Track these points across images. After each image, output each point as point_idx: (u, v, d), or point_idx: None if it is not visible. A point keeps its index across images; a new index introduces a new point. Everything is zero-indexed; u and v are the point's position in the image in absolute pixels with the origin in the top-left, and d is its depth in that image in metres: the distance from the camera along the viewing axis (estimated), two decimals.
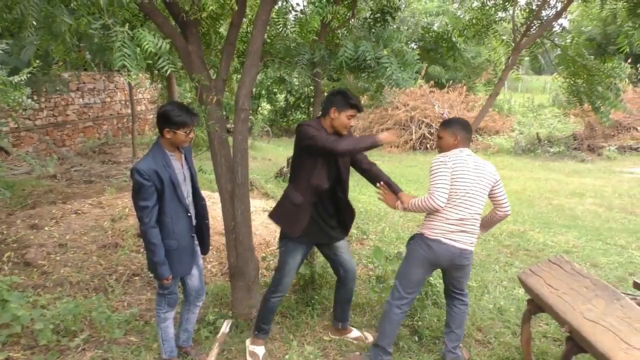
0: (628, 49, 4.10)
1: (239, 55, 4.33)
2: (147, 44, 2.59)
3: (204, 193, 7.37)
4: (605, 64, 4.38)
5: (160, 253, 2.81)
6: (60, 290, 4.16)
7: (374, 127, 15.71)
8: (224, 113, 3.93)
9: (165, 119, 2.78)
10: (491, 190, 3.05)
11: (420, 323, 3.68)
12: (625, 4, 3.96)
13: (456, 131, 3.09)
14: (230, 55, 3.59)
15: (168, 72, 2.81)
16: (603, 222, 7.11)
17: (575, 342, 2.64)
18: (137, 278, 4.49)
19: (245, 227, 3.63)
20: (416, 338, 3.54)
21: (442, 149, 3.15)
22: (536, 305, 3.10)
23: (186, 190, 2.98)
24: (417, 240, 3.11)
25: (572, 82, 4.59)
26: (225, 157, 3.58)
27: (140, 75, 10.56)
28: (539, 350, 3.40)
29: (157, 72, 7.66)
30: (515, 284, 4.51)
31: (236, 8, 3.17)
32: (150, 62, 2.78)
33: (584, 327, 2.49)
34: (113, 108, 12.62)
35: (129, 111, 11.61)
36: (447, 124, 3.17)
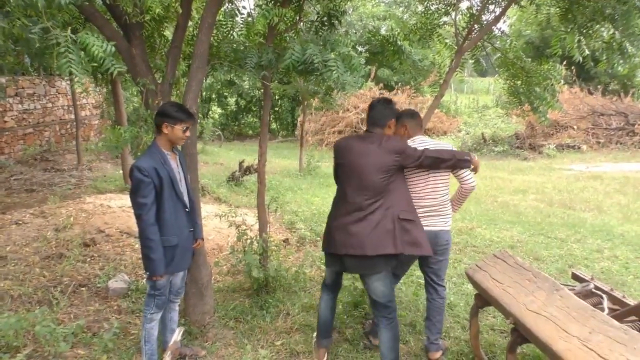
0: (561, 52, 4.32)
1: (186, 58, 4.27)
2: (95, 48, 2.52)
3: None
4: (542, 66, 4.60)
5: (158, 250, 2.86)
6: (0, 304, 3.96)
7: (325, 130, 15.82)
8: None
9: (164, 114, 2.88)
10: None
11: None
12: (557, 9, 4.17)
13: (404, 121, 3.27)
14: (176, 59, 3.53)
15: (115, 74, 2.74)
16: (544, 217, 7.44)
17: (520, 332, 2.74)
18: (84, 289, 4.34)
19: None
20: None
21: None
22: (483, 300, 3.21)
23: (183, 189, 3.07)
24: None
25: (512, 83, 4.79)
26: None
27: (85, 79, 10.21)
28: (487, 343, 3.52)
29: (101, 76, 7.45)
30: (464, 279, 4.65)
31: (180, 11, 3.12)
32: (95, 64, 2.71)
33: (526, 318, 2.59)
34: (55, 114, 12.10)
35: (73, 117, 11.17)
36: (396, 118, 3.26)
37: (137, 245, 5.29)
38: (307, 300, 4.15)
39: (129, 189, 7.46)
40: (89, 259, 4.89)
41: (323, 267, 4.95)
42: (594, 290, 3.20)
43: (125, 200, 6.78)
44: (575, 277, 3.59)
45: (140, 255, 4.99)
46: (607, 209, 8.03)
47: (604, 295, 3.10)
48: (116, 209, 6.28)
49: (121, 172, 8.47)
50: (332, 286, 3.28)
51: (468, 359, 3.30)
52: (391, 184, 2.95)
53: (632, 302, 3.06)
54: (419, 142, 3.20)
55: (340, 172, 3.08)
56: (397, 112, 3.24)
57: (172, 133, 2.90)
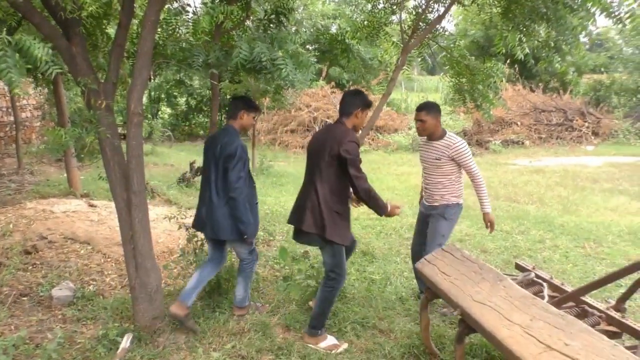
0: (504, 50, 4.49)
1: (130, 57, 4.16)
2: (37, 50, 2.42)
3: (101, 202, 7.01)
4: (485, 64, 4.76)
5: (249, 215, 3.50)
6: None
7: (278, 129, 15.76)
8: (122, 118, 3.76)
9: (245, 103, 3.57)
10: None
11: None
12: (498, 8, 4.32)
13: (438, 115, 3.84)
14: (120, 57, 3.42)
15: (54, 75, 2.63)
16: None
17: (467, 323, 2.83)
18: (25, 298, 4.14)
19: (144, 236, 3.49)
20: None
21: (431, 132, 3.88)
22: (432, 292, 3.29)
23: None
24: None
25: (457, 81, 4.93)
26: (118, 165, 3.42)
27: (23, 80, 9.75)
28: (437, 334, 3.61)
29: (41, 76, 7.13)
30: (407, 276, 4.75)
31: (119, 8, 3.03)
32: (30, 66, 2.60)
33: (473, 309, 2.68)
34: None
35: (12, 119, 10.64)
36: (429, 108, 3.84)
37: (83, 251, 5.11)
38: (260, 301, 4.12)
39: (73, 193, 7.16)
40: (30, 267, 4.67)
41: (276, 266, 4.95)
42: (535, 279, 3.34)
43: (70, 205, 6.53)
44: (518, 267, 3.74)
45: (86, 262, 4.87)
46: (548, 201, 8.41)
47: (544, 284, 3.25)
48: (60, 214, 6.03)
49: (65, 175, 8.14)
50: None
51: (419, 351, 3.37)
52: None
53: (570, 289, 3.22)
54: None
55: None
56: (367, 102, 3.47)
57: (246, 120, 3.59)
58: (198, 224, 3.73)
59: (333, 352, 3.38)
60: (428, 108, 3.85)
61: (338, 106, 3.47)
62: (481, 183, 3.89)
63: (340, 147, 3.17)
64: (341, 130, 3.31)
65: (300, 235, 3.51)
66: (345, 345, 3.46)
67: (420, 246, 4.11)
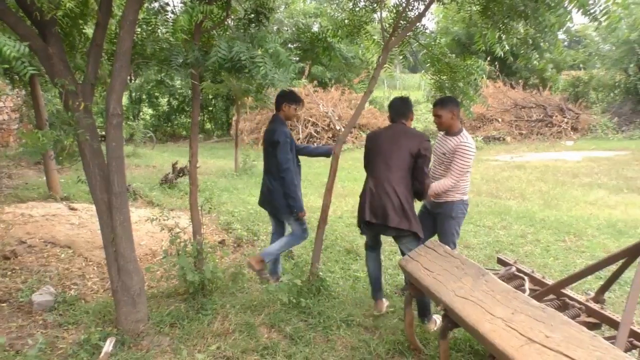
0: (485, 48, 4.52)
1: (109, 58, 4.10)
2: (7, 48, 2.37)
3: (82, 205, 6.92)
4: (466, 62, 4.79)
5: (298, 192, 4.17)
6: None
7: (261, 128, 15.71)
8: (102, 120, 3.72)
9: (286, 97, 4.24)
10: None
11: None
12: (477, 6, 4.35)
13: (453, 109, 3.90)
14: (98, 58, 3.38)
15: (28, 76, 2.59)
16: (473, 206, 7.76)
17: (450, 318, 2.86)
18: (4, 304, 4.07)
19: (126, 239, 3.45)
20: None
21: (448, 127, 3.95)
22: (416, 289, 3.31)
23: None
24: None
25: (437, 78, 4.95)
26: (99, 167, 3.38)
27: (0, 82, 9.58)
28: (422, 330, 3.64)
29: (18, 77, 7.01)
30: (399, 271, 4.78)
31: (97, 7, 2.98)
32: (8, 66, 2.55)
33: (455, 304, 2.70)
34: None
35: None
36: (444, 103, 3.93)
37: (63, 255, 5.04)
38: (245, 301, 4.11)
39: (53, 196, 7.09)
40: (9, 273, 4.59)
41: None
42: (516, 273, 3.38)
43: (49, 208, 6.43)
44: (501, 261, 3.78)
45: (67, 266, 4.80)
46: (529, 196, 8.53)
47: (525, 277, 3.29)
48: (39, 218, 5.93)
49: (44, 178, 8.01)
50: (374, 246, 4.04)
51: (404, 347, 3.39)
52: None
53: (550, 282, 3.27)
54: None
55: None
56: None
57: (289, 111, 4.26)
58: (261, 202, 4.55)
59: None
60: (443, 103, 3.95)
61: (391, 111, 3.92)
62: (449, 183, 3.86)
63: (420, 146, 3.58)
64: (413, 131, 3.79)
65: (381, 229, 3.74)
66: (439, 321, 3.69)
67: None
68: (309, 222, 4.68)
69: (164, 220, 4.24)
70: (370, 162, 3.80)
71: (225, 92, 11.45)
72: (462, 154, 3.81)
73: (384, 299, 4.01)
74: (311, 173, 10.38)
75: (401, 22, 4.48)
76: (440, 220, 4.05)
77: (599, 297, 3.12)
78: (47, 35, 3.14)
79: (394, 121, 3.82)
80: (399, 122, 3.79)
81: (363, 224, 3.78)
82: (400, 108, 3.83)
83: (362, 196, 3.77)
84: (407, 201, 3.58)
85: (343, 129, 10.83)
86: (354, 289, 4.43)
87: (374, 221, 3.63)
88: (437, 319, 3.75)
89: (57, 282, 4.48)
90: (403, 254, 3.71)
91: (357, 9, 4.76)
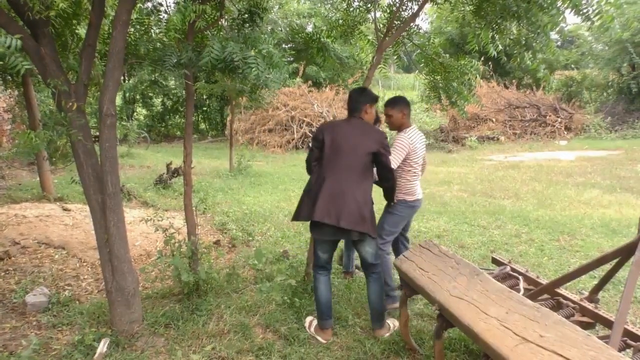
0: (478, 48, 4.54)
1: (102, 58, 4.08)
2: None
3: (75, 206, 6.89)
4: (459, 62, 4.81)
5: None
6: None
7: (255, 128, 15.70)
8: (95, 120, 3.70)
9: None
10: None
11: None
12: (470, 6, 4.37)
13: (403, 109, 3.83)
14: (91, 58, 3.36)
15: (22, 72, 2.57)
16: (468, 206, 7.80)
17: (445, 318, 2.86)
18: None
19: (120, 239, 3.44)
20: None
21: (399, 125, 3.89)
22: (411, 289, 3.31)
23: None
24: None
25: (431, 78, 4.97)
26: (92, 167, 3.36)
27: None
28: (416, 330, 3.64)
29: (10, 78, 6.97)
30: (393, 270, 4.78)
31: (90, 7, 2.97)
32: (1, 62, 2.54)
33: (450, 304, 2.70)
34: None
35: None
36: (395, 102, 3.89)
37: (57, 256, 5.02)
38: (240, 302, 4.10)
39: (47, 197, 7.05)
40: (3, 274, 4.56)
41: (255, 267, 4.92)
42: (511, 272, 3.39)
43: (43, 209, 6.40)
44: (495, 261, 3.79)
45: (61, 267, 4.78)
46: (523, 196, 8.56)
47: (520, 277, 3.30)
48: (32, 219, 5.90)
49: (38, 179, 7.97)
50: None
51: (399, 347, 3.39)
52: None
53: (545, 281, 3.28)
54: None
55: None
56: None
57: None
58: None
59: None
60: (394, 103, 3.92)
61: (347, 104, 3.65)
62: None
63: (380, 145, 3.40)
64: (372, 128, 3.54)
65: (333, 232, 3.40)
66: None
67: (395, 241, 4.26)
68: (303, 223, 4.67)
69: (159, 220, 4.23)
70: (327, 159, 3.43)
71: (220, 92, 11.40)
72: (393, 147, 3.76)
73: (331, 329, 3.60)
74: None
75: (395, 22, 4.49)
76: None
77: (593, 297, 3.14)
78: (39, 36, 3.12)
79: (351, 115, 3.57)
80: (355, 116, 3.55)
81: (314, 226, 3.44)
82: (354, 101, 3.57)
83: (312, 194, 3.41)
84: (365, 203, 3.38)
85: None
86: (349, 289, 4.43)
87: (326, 221, 3.29)
88: (392, 323, 3.68)
89: (51, 283, 4.45)
90: (362, 260, 3.59)
91: (351, 9, 4.77)
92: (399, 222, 4.01)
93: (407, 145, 3.80)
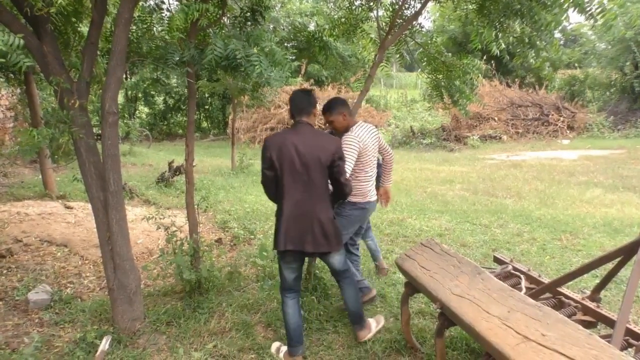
0: (481, 46, 4.53)
1: (104, 55, 4.09)
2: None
3: (78, 203, 6.89)
4: (462, 61, 4.80)
5: None
6: None
7: (257, 127, 15.70)
8: (97, 118, 3.71)
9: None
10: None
11: None
12: (473, 5, 4.36)
13: (342, 110, 3.60)
14: (93, 56, 3.37)
15: (24, 69, 2.57)
16: (470, 205, 7.79)
17: (446, 316, 2.86)
18: (0, 303, 4.06)
19: (122, 237, 3.45)
20: None
21: (345, 127, 3.62)
22: (412, 287, 3.31)
23: None
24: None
25: (434, 77, 4.96)
26: (94, 165, 3.37)
27: None
28: (417, 328, 3.64)
29: (13, 76, 6.98)
30: (395, 269, 4.78)
31: (90, 5, 2.97)
32: (3, 60, 2.54)
33: (452, 302, 2.70)
34: None
35: None
36: (330, 108, 3.60)
37: (59, 254, 5.03)
38: (241, 300, 4.10)
39: (49, 195, 7.05)
40: (5, 271, 4.58)
41: (258, 264, 4.92)
42: (512, 271, 3.39)
43: (45, 207, 6.41)
44: (497, 260, 3.78)
45: (63, 264, 4.79)
46: (526, 195, 8.54)
47: (521, 276, 3.30)
48: (35, 217, 5.91)
49: (40, 177, 7.98)
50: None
51: (400, 346, 3.39)
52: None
53: (546, 280, 3.28)
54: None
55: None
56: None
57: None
58: None
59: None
60: (329, 108, 3.62)
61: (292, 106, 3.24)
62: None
63: (334, 155, 3.09)
64: (323, 135, 3.23)
65: (299, 256, 3.24)
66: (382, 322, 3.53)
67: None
68: None
69: (160, 218, 4.23)
70: (281, 180, 3.09)
71: (222, 90, 11.43)
72: (343, 150, 3.34)
73: (302, 357, 3.32)
74: None
75: (397, 20, 4.48)
76: None
77: (594, 296, 3.13)
78: (41, 33, 3.12)
79: (295, 118, 3.18)
80: (302, 121, 3.14)
81: (280, 253, 3.23)
82: (302, 103, 3.18)
83: (279, 222, 3.15)
84: (327, 219, 3.13)
85: None
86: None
87: (290, 248, 3.10)
88: (374, 322, 3.49)
89: (53, 281, 4.46)
90: (331, 270, 3.41)
91: (354, 7, 4.76)
92: (347, 225, 3.71)
93: (356, 145, 3.51)
